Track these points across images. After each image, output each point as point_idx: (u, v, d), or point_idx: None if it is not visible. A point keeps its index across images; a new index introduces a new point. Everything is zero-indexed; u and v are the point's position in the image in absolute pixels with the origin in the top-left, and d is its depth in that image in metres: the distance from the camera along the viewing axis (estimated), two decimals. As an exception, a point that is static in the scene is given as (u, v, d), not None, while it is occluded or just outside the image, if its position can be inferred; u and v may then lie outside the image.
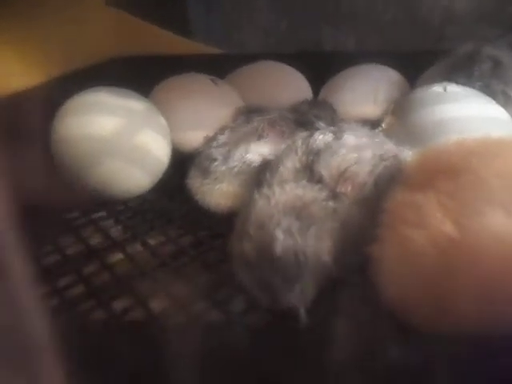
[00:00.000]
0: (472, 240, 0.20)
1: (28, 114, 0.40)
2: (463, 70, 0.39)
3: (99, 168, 0.36)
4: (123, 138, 0.36)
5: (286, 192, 0.26)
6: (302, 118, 0.39)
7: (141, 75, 0.50)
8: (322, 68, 0.53)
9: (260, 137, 0.35)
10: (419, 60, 0.51)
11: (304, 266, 0.24)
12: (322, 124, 0.37)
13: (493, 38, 0.48)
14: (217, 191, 0.34)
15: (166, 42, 0.61)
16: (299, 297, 0.24)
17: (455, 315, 0.20)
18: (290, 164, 0.29)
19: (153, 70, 0.49)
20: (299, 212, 0.25)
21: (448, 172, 0.23)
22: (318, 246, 0.25)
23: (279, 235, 0.24)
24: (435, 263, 0.20)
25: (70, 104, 0.37)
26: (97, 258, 0.32)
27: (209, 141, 0.38)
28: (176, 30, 0.62)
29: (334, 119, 0.41)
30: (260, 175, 0.32)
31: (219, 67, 0.52)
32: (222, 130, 0.38)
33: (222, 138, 0.36)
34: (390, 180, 0.28)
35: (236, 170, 0.34)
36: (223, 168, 0.34)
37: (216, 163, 0.34)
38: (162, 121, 0.40)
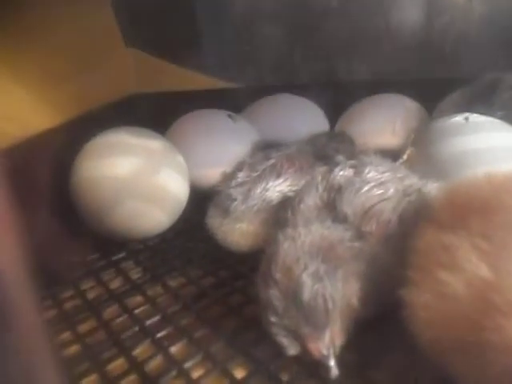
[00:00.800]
0: (510, 283, 0.18)
1: (46, 157, 0.41)
2: (484, 99, 0.39)
3: (118, 209, 0.36)
4: (142, 178, 0.36)
5: (312, 233, 0.25)
6: (321, 152, 0.38)
7: (158, 112, 0.50)
8: (337, 98, 0.53)
9: (279, 174, 0.35)
10: (435, 88, 0.51)
11: (333, 311, 0.23)
12: (340, 157, 0.37)
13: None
14: (237, 231, 0.34)
15: (183, 78, 0.62)
16: (329, 344, 0.23)
17: (496, 366, 0.18)
18: (312, 201, 0.28)
19: (170, 107, 0.50)
20: (326, 254, 0.24)
21: (480, 210, 0.22)
22: (345, 289, 0.24)
23: (306, 280, 0.23)
24: (471, 308, 0.19)
25: (88, 146, 0.38)
26: (117, 302, 0.32)
27: (227, 178, 0.37)
28: (192, 67, 0.63)
29: (353, 151, 0.41)
30: (280, 213, 0.31)
31: (235, 101, 0.53)
32: (240, 167, 0.37)
33: (241, 177, 0.36)
34: (414, 215, 0.27)
35: (256, 208, 0.34)
36: (243, 207, 0.34)
37: (236, 203, 0.34)
38: (180, 159, 0.40)
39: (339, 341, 0.23)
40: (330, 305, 0.23)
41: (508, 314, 0.18)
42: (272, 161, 0.36)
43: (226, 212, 0.35)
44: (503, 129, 0.35)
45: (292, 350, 0.23)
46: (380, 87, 0.52)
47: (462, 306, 0.20)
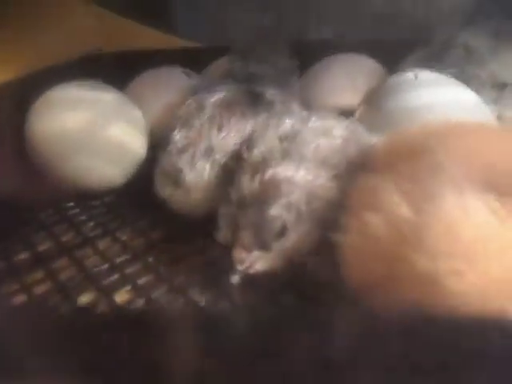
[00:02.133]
0: (425, 221, 0.19)
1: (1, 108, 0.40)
2: (437, 58, 0.39)
3: (70, 164, 0.35)
4: (93, 132, 0.35)
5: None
6: (253, 89, 0.35)
7: (118, 72, 0.49)
8: (300, 57, 0.52)
9: (220, 127, 0.32)
10: (399, 49, 0.51)
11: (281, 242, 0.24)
12: (271, 92, 0.35)
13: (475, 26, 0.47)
14: (192, 201, 0.32)
15: (149, 39, 0.60)
16: (252, 259, 0.24)
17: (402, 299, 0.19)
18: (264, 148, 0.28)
19: (130, 67, 0.49)
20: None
21: (408, 155, 0.23)
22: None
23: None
24: (391, 245, 0.20)
25: (41, 100, 0.37)
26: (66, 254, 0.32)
27: (164, 140, 0.34)
28: (159, 27, 0.61)
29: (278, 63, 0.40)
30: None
31: (197, 61, 0.52)
32: (173, 125, 0.34)
33: (179, 139, 0.32)
34: (358, 167, 0.27)
35: (206, 174, 0.32)
36: (192, 176, 0.32)
37: (183, 173, 0.32)
38: (137, 112, 0.39)
39: (260, 266, 0.24)
40: (285, 236, 0.24)
41: (417, 248, 0.19)
42: (208, 112, 0.33)
43: (175, 183, 0.32)
44: (450, 84, 0.35)
45: (221, 236, 0.25)
46: (341, 48, 0.52)
47: (382, 244, 0.20)
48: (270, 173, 0.25)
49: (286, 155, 0.26)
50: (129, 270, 0.30)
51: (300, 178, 0.25)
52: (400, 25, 0.66)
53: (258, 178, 0.25)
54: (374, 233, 0.21)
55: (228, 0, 0.67)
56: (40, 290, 0.29)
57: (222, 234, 0.26)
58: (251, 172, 0.25)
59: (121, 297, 0.28)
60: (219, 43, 0.64)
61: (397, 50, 0.51)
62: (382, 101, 0.36)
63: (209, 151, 0.32)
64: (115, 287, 0.28)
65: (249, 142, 0.30)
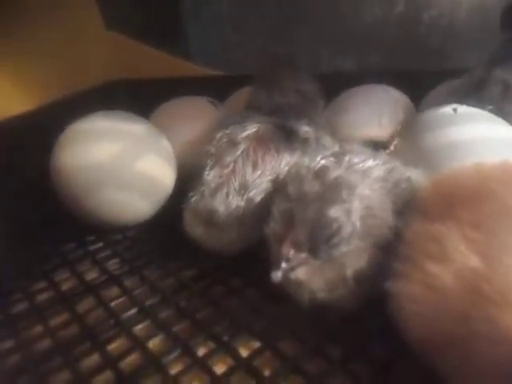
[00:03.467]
0: (503, 274, 0.18)
1: (23, 140, 0.39)
2: (473, 93, 0.38)
3: (97, 197, 0.34)
4: (122, 164, 0.34)
5: None
6: (286, 124, 0.34)
7: (140, 98, 0.49)
8: (323, 89, 0.52)
9: (255, 165, 0.31)
10: (421, 80, 0.50)
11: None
12: (305, 129, 0.34)
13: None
14: (225, 239, 0.31)
15: (166, 64, 0.60)
16: (300, 262, 0.23)
17: (485, 358, 0.18)
18: None
19: (152, 93, 0.48)
20: None
21: (468, 199, 0.22)
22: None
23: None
24: (461, 299, 0.19)
25: (67, 132, 0.36)
26: (92, 294, 0.30)
27: (196, 177, 0.32)
28: (175, 53, 0.61)
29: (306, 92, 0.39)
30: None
31: (219, 89, 0.51)
32: (205, 161, 0.33)
33: (212, 178, 0.31)
34: (405, 204, 0.26)
35: (240, 213, 0.30)
36: (225, 216, 0.30)
37: (217, 213, 0.30)
38: (166, 143, 0.38)
39: (302, 275, 0.23)
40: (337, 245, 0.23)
41: (499, 303, 0.17)
42: (241, 147, 0.32)
43: (208, 222, 0.31)
44: (492, 120, 0.34)
45: (271, 229, 0.24)
46: (366, 79, 0.52)
47: (451, 298, 0.19)
48: (334, 174, 0.24)
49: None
50: (162, 315, 0.28)
51: (361, 190, 0.24)
52: (415, 54, 0.66)
53: (321, 178, 0.24)
54: (441, 285, 0.19)
55: (243, 27, 0.67)
56: (66, 334, 0.27)
57: (273, 228, 0.24)
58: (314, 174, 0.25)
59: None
60: (233, 70, 0.64)
61: (418, 80, 0.51)
62: (419, 135, 0.35)
63: (243, 189, 0.31)
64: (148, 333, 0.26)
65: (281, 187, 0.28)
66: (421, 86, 0.50)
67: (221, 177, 0.31)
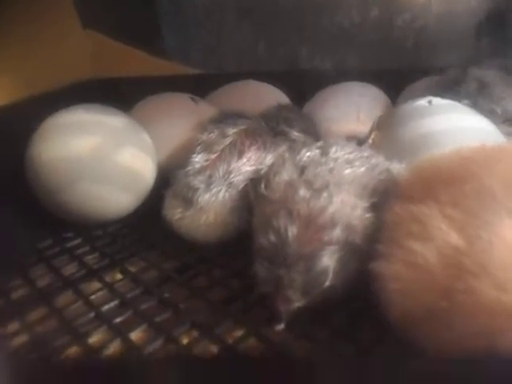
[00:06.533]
0: (483, 249, 0.18)
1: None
2: (450, 89, 0.39)
3: (76, 191, 0.33)
4: (101, 157, 0.33)
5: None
6: (275, 125, 0.36)
7: (118, 97, 0.48)
8: (302, 86, 0.52)
9: (241, 153, 0.32)
10: (396, 78, 0.51)
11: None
12: (295, 133, 0.36)
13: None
14: (204, 222, 0.31)
15: (143, 63, 0.59)
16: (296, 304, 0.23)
17: (469, 328, 0.18)
18: (287, 177, 0.27)
19: (130, 92, 0.48)
20: None
21: (448, 181, 0.22)
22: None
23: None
24: (443, 274, 0.19)
25: (45, 124, 0.35)
26: (70, 289, 0.30)
27: (184, 163, 0.33)
28: (152, 51, 0.61)
29: (305, 122, 0.39)
30: (251, 191, 0.30)
31: (198, 87, 0.51)
32: (193, 148, 0.34)
33: (198, 160, 0.32)
34: (385, 194, 0.26)
35: (221, 195, 0.31)
36: (207, 196, 0.31)
37: (198, 193, 0.31)
38: (146, 136, 0.37)
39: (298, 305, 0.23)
40: (328, 282, 0.23)
41: (478, 275, 0.18)
42: (230, 138, 0.33)
43: (187, 203, 0.31)
44: (466, 111, 0.35)
45: (264, 287, 0.23)
46: (343, 77, 0.52)
47: (433, 274, 0.19)
48: (310, 217, 0.23)
49: (310, 187, 0.25)
50: (143, 306, 0.27)
51: (339, 213, 0.23)
52: (389, 54, 0.67)
53: (297, 225, 0.23)
54: (424, 263, 0.20)
55: (221, 25, 0.67)
56: (43, 328, 0.26)
57: (263, 289, 0.24)
58: (285, 218, 0.23)
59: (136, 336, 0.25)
60: (211, 68, 0.64)
61: (394, 77, 0.52)
62: (397, 127, 0.36)
63: (227, 175, 0.31)
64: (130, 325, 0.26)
65: (266, 175, 0.28)
66: (395, 84, 0.51)
67: (207, 160, 0.32)
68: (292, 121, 0.37)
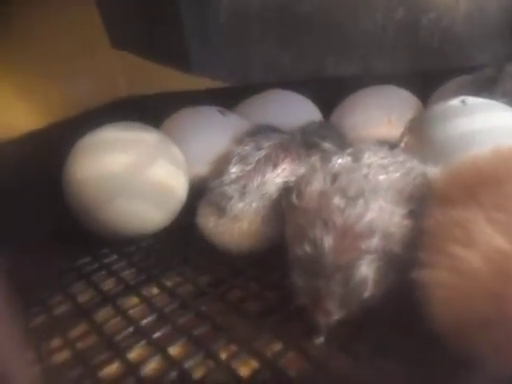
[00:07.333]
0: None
1: (35, 157, 0.39)
2: (485, 88, 0.38)
3: (112, 208, 0.34)
4: (135, 174, 0.34)
5: None
6: (310, 140, 0.36)
7: (150, 113, 0.49)
8: (329, 93, 0.52)
9: (275, 165, 0.33)
10: (425, 80, 0.50)
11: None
12: (327, 144, 0.36)
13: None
14: (237, 231, 0.31)
15: (172, 79, 0.61)
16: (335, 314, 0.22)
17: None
18: (318, 186, 0.27)
19: (160, 109, 0.49)
20: None
21: (490, 182, 0.21)
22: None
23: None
24: (491, 280, 0.18)
25: (80, 144, 0.36)
26: (109, 304, 0.30)
27: (219, 174, 0.34)
28: (177, 66, 0.62)
29: (340, 138, 0.39)
30: (283, 201, 0.30)
31: (226, 100, 0.51)
32: (230, 160, 0.34)
33: (234, 171, 0.33)
34: (421, 199, 0.26)
35: (255, 205, 0.31)
36: (241, 205, 0.31)
37: (232, 201, 0.31)
38: (177, 152, 0.38)
39: (337, 316, 0.23)
40: (367, 292, 0.22)
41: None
42: (265, 151, 0.33)
43: (221, 211, 0.32)
44: (502, 109, 0.34)
45: (302, 299, 0.23)
46: (371, 81, 0.52)
47: (480, 280, 0.18)
48: (346, 226, 0.22)
49: (345, 195, 0.24)
50: (181, 321, 0.27)
51: (376, 220, 0.23)
52: (418, 56, 0.66)
53: (333, 235, 0.22)
54: (470, 269, 0.19)
55: (246, 38, 0.68)
56: (84, 344, 0.27)
57: (302, 299, 0.23)
58: (321, 226, 0.23)
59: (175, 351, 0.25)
60: (237, 81, 0.65)
61: (423, 79, 0.51)
62: (430, 129, 0.35)
63: (261, 186, 0.32)
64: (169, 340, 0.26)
65: (297, 185, 0.28)
66: (425, 86, 0.50)
67: (242, 171, 0.33)
68: (326, 136, 0.37)
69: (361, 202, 0.23)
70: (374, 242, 0.22)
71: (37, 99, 0.45)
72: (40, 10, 0.45)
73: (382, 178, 0.26)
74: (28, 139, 0.41)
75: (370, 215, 0.22)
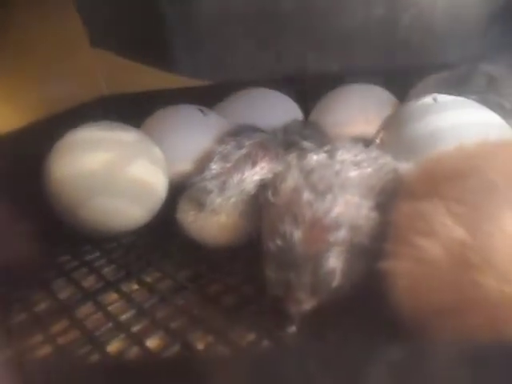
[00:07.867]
0: (486, 243, 0.18)
1: (15, 156, 0.39)
2: (458, 85, 0.39)
3: (92, 206, 0.34)
4: (115, 172, 0.35)
5: None
6: (290, 139, 0.38)
7: (131, 112, 0.49)
8: (309, 91, 0.53)
9: (254, 163, 0.34)
10: (404, 77, 0.51)
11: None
12: (306, 143, 0.37)
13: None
14: (215, 224, 0.33)
15: (152, 78, 0.61)
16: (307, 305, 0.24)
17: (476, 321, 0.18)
18: (292, 183, 0.27)
19: (142, 107, 0.49)
20: None
21: (452, 177, 0.22)
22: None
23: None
24: (450, 270, 0.19)
25: (60, 143, 0.36)
26: (90, 300, 0.31)
27: (199, 171, 0.36)
28: (159, 66, 0.62)
29: (321, 138, 0.40)
30: (260, 197, 0.31)
31: (207, 99, 0.52)
32: (211, 158, 0.36)
33: (215, 168, 0.34)
34: (392, 193, 0.27)
35: (233, 199, 0.32)
36: (219, 199, 0.32)
37: (212, 195, 0.33)
38: (157, 150, 0.38)
39: (308, 306, 0.24)
40: (336, 282, 0.23)
41: (483, 269, 0.18)
42: (245, 150, 0.35)
43: (200, 205, 0.33)
44: (473, 107, 0.35)
45: (274, 290, 0.24)
46: (350, 79, 0.53)
47: (440, 269, 0.19)
48: (314, 220, 0.23)
49: (315, 190, 0.25)
50: (160, 314, 0.28)
51: (344, 214, 0.24)
52: (396, 53, 0.67)
53: (302, 228, 0.23)
54: (431, 258, 0.20)
55: (228, 38, 0.68)
56: (66, 339, 0.27)
57: (273, 290, 0.25)
58: (290, 219, 0.24)
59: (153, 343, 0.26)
60: (218, 79, 0.65)
61: (400, 77, 0.52)
62: (403, 126, 0.36)
63: (240, 182, 0.33)
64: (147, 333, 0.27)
65: (273, 182, 0.29)
66: (402, 84, 0.51)
67: (222, 168, 0.34)
68: (308, 135, 0.38)
69: (329, 196, 0.24)
70: (342, 234, 0.23)
71: (17, 99, 0.45)
72: (20, 11, 0.45)
73: (353, 174, 0.27)
74: (8, 139, 0.41)
75: (337, 209, 0.23)
